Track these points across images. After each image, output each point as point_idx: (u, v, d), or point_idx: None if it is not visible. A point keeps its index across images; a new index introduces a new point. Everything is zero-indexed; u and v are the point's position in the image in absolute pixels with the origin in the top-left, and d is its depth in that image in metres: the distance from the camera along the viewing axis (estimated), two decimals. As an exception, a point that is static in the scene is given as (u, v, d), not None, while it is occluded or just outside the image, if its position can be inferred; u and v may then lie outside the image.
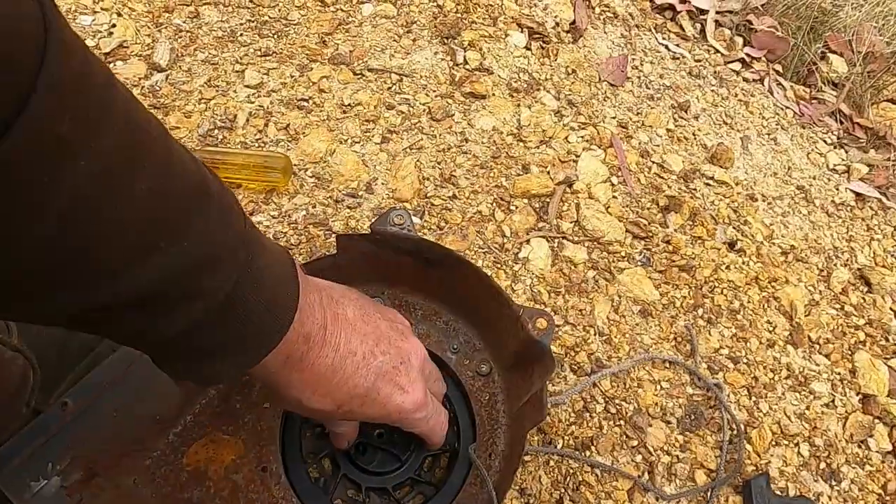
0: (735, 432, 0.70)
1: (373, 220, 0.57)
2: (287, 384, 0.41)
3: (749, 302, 0.79)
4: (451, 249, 0.60)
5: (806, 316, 0.80)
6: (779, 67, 1.11)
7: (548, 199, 0.82)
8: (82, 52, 0.27)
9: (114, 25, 0.85)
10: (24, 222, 0.25)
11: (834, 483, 0.70)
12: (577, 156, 0.86)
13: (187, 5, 0.89)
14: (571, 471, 0.65)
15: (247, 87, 0.83)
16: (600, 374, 0.70)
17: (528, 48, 0.96)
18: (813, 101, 1.10)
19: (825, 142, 1.03)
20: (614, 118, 0.92)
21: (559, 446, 0.66)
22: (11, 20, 0.23)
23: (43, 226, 0.26)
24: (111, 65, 0.82)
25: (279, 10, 0.91)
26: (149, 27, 0.86)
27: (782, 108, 1.05)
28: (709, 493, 0.66)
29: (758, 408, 0.72)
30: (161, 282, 0.30)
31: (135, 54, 0.83)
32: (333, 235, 0.74)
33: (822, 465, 0.70)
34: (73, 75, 0.26)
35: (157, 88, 0.81)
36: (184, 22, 0.87)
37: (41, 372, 0.55)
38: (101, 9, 0.86)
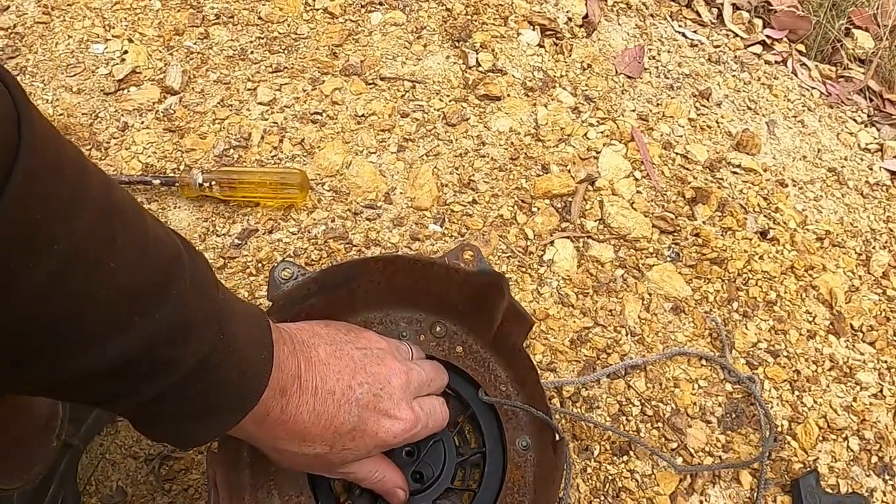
0: (770, 428, 0.67)
1: (267, 291, 0.57)
2: (274, 439, 0.41)
3: (786, 292, 0.77)
4: (346, 262, 0.59)
5: (847, 303, 0.77)
6: (802, 47, 1.08)
7: (570, 199, 0.80)
8: (55, 141, 0.29)
9: (125, 52, 0.85)
10: (4, 301, 0.27)
11: (888, 477, 0.67)
12: (598, 152, 0.84)
13: (197, 27, 0.89)
14: (610, 477, 0.64)
15: (260, 104, 0.83)
16: (610, 369, 0.68)
17: (541, 45, 0.94)
18: (840, 80, 1.06)
19: (855, 121, 1.00)
20: (634, 111, 0.90)
21: (595, 453, 0.64)
22: None
23: (18, 301, 0.27)
24: (125, 91, 0.82)
25: (288, 25, 0.90)
26: (160, 51, 0.86)
27: (808, 89, 1.01)
28: (754, 496, 0.63)
29: (802, 402, 0.70)
30: (133, 353, 0.31)
31: (148, 79, 0.84)
32: (354, 249, 0.74)
33: (874, 459, 0.67)
34: (47, 166, 0.27)
35: (172, 112, 0.81)
36: (194, 43, 0.87)
37: (70, 404, 0.55)
38: (113, 36, 0.87)
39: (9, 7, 0.88)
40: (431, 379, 0.52)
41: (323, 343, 0.45)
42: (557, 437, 0.56)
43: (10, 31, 0.86)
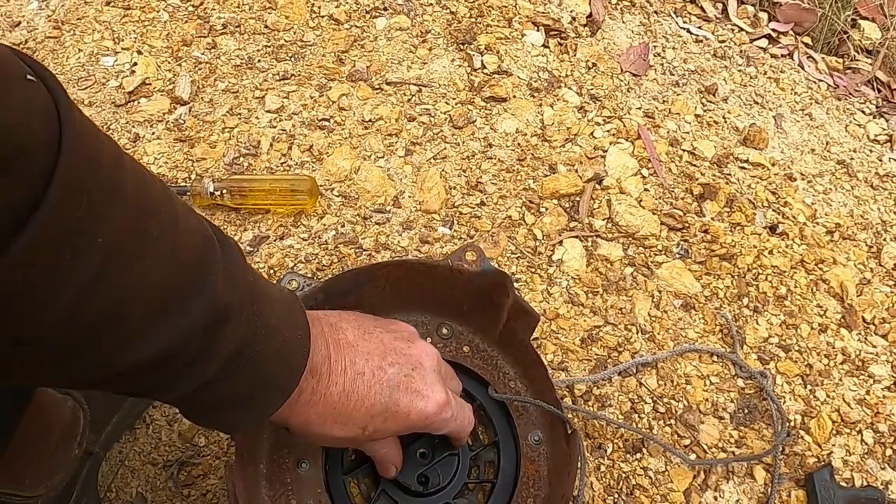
0: (783, 422, 0.67)
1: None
2: (306, 421, 0.41)
3: (796, 286, 0.77)
4: (351, 269, 0.59)
5: (858, 296, 0.77)
6: (808, 40, 1.08)
7: (578, 198, 0.80)
8: (93, 135, 0.29)
9: (135, 64, 0.86)
10: (45, 300, 0.27)
11: (902, 470, 0.67)
12: (605, 151, 0.85)
13: (204, 37, 0.90)
14: (624, 475, 0.64)
15: (268, 112, 0.84)
16: (621, 367, 0.69)
17: (545, 46, 0.94)
18: (847, 72, 1.06)
19: (863, 112, 0.99)
20: (640, 109, 0.90)
21: (608, 451, 0.65)
22: (25, 113, 0.25)
23: (63, 302, 0.27)
24: (136, 102, 0.84)
25: (294, 33, 0.91)
26: (169, 62, 0.87)
27: (815, 82, 1.01)
28: (769, 490, 0.64)
29: (814, 396, 0.70)
30: (175, 344, 0.32)
31: (157, 90, 0.85)
32: (365, 254, 0.74)
33: (889, 452, 0.67)
34: (87, 160, 0.27)
35: (182, 122, 0.82)
36: (202, 54, 0.88)
37: (90, 412, 0.56)
38: (122, 48, 0.88)
39: (20, 23, 0.90)
40: (451, 376, 0.53)
41: (351, 326, 0.45)
42: (570, 430, 0.56)
43: (21, 46, 0.88)
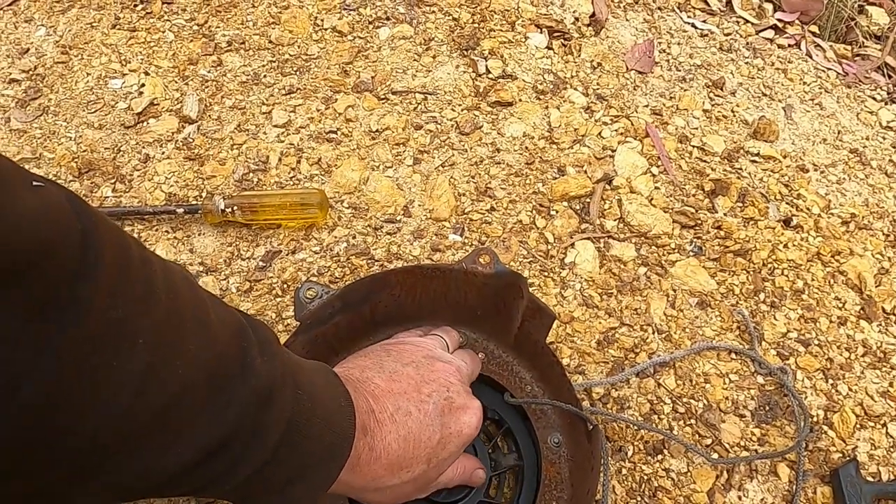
0: (805, 418, 0.66)
1: (294, 312, 0.58)
2: (373, 480, 0.41)
3: (813, 280, 0.76)
4: (366, 277, 0.59)
5: (877, 287, 0.76)
6: (814, 28, 1.06)
7: (588, 200, 0.80)
8: (118, 236, 0.29)
9: (143, 85, 0.87)
10: (100, 399, 0.27)
11: (930, 462, 0.65)
12: (613, 150, 0.84)
13: (210, 55, 0.90)
14: (646, 477, 0.63)
15: (275, 126, 0.84)
16: (638, 367, 0.68)
17: (549, 48, 0.94)
18: (856, 59, 1.04)
19: (875, 99, 0.98)
20: (647, 106, 0.90)
21: (629, 453, 0.64)
22: (42, 214, 0.25)
23: (117, 401, 0.27)
24: (145, 123, 0.84)
25: (298, 47, 0.92)
26: (176, 82, 0.88)
27: (824, 70, 1.00)
28: (794, 487, 0.63)
29: (836, 390, 0.69)
30: (226, 429, 0.32)
31: (166, 110, 0.85)
32: (377, 264, 0.74)
33: (915, 445, 0.66)
34: (116, 259, 0.28)
35: (191, 140, 0.83)
36: (208, 72, 0.89)
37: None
38: (129, 70, 0.89)
39: (28, 49, 0.91)
40: (473, 370, 0.54)
41: (375, 373, 0.45)
42: (590, 426, 0.56)
43: (31, 73, 0.89)
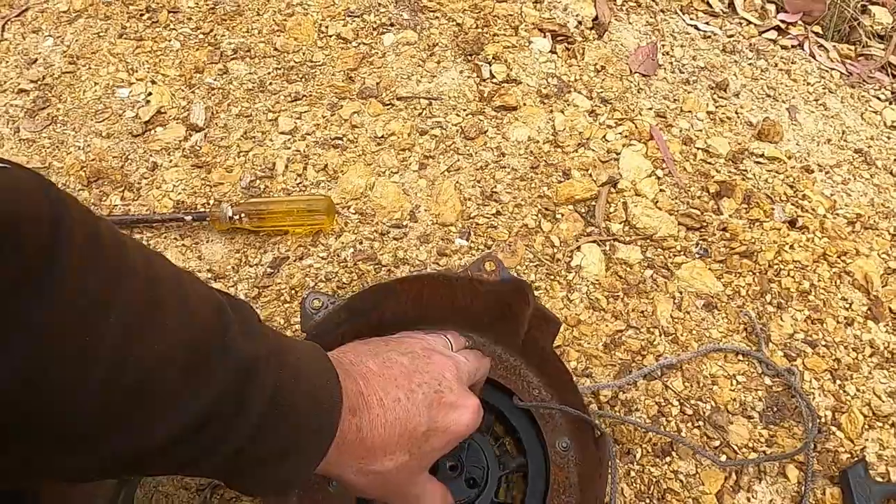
0: (813, 418, 0.67)
1: (300, 323, 0.58)
2: (358, 461, 0.41)
3: (819, 280, 0.76)
4: (372, 286, 0.59)
5: (883, 287, 0.76)
6: (818, 29, 1.07)
7: (593, 203, 0.80)
8: (89, 217, 0.30)
9: (150, 94, 0.88)
10: (76, 376, 0.27)
11: (939, 462, 0.66)
12: (618, 153, 0.84)
13: (216, 63, 0.91)
14: (654, 479, 0.64)
15: (282, 133, 0.85)
16: (645, 370, 0.68)
17: (553, 52, 0.94)
18: (860, 58, 1.05)
19: (879, 98, 0.98)
20: (651, 109, 0.90)
21: (637, 456, 0.64)
22: (17, 203, 0.26)
23: (93, 377, 0.28)
24: (152, 132, 0.85)
25: (303, 54, 0.92)
26: (183, 90, 0.89)
27: (827, 71, 1.00)
28: (803, 488, 0.63)
29: (844, 391, 0.69)
30: (208, 406, 0.32)
31: (173, 118, 0.86)
32: (384, 269, 0.75)
33: (923, 445, 0.66)
34: (88, 237, 0.28)
35: (198, 148, 0.83)
36: (215, 80, 0.89)
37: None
38: (136, 79, 0.89)
39: (37, 60, 0.92)
40: (477, 368, 0.53)
41: (369, 358, 0.45)
42: (598, 433, 0.56)
43: (39, 83, 0.90)
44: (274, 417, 0.35)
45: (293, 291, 0.73)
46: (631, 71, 0.94)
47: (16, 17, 0.97)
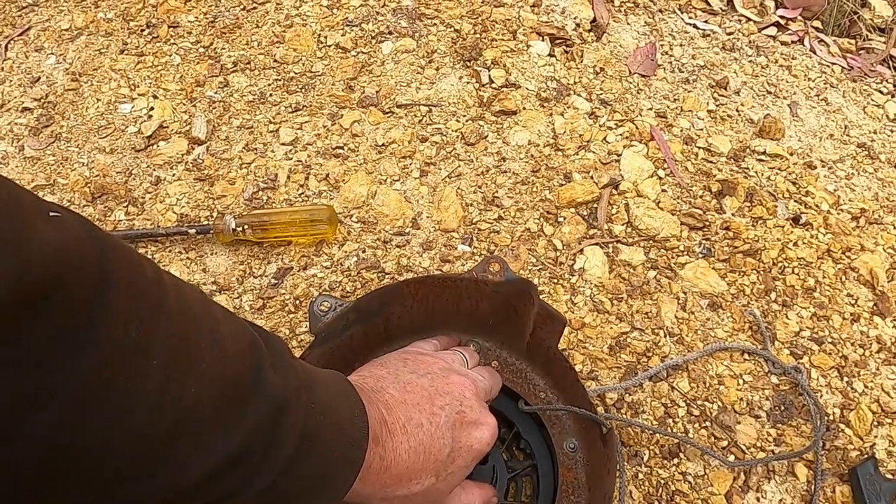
0: (821, 416, 0.66)
1: (308, 325, 0.58)
2: (383, 489, 0.42)
3: (824, 277, 0.75)
4: (379, 288, 0.60)
5: (889, 282, 0.76)
6: (817, 24, 1.06)
7: (595, 205, 0.80)
8: (134, 258, 0.30)
9: (152, 108, 0.89)
10: (118, 420, 0.28)
11: (949, 457, 0.65)
12: (619, 155, 0.84)
13: (216, 76, 0.92)
14: (663, 481, 0.63)
15: (283, 144, 0.85)
16: (651, 371, 0.68)
17: (551, 55, 0.94)
18: (861, 52, 1.04)
19: (881, 92, 0.98)
20: (651, 109, 0.90)
21: (645, 458, 0.64)
22: (59, 245, 0.26)
23: (134, 420, 0.28)
24: (155, 146, 0.86)
25: (303, 65, 0.93)
26: (184, 104, 0.89)
27: (828, 66, 1.00)
28: (812, 487, 0.63)
29: (852, 388, 0.69)
30: (242, 443, 0.33)
31: (175, 132, 0.87)
32: (387, 277, 0.75)
33: (934, 440, 0.66)
34: (134, 285, 0.29)
35: (200, 161, 0.84)
36: (215, 93, 0.90)
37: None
38: (138, 94, 0.90)
39: (39, 78, 0.93)
40: (492, 386, 0.54)
41: (390, 384, 0.46)
42: (605, 430, 0.56)
43: (42, 100, 0.90)
44: (305, 452, 0.36)
45: (297, 302, 0.74)
46: (630, 72, 0.94)
47: (18, 36, 0.98)
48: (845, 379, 0.69)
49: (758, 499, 0.63)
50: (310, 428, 0.36)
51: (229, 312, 0.36)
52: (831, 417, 0.67)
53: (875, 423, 0.66)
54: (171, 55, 0.94)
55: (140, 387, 0.28)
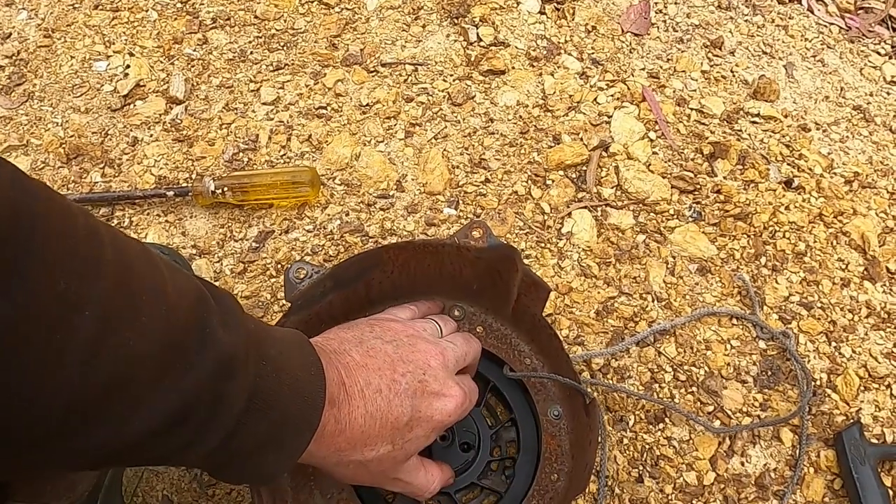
0: (808, 381, 0.66)
1: (284, 292, 0.57)
2: (337, 453, 0.41)
3: (815, 242, 0.74)
4: (358, 254, 0.58)
5: (881, 246, 0.75)
6: (816, -18, 1.03)
7: (584, 168, 0.79)
8: (63, 208, 0.29)
9: (128, 66, 0.86)
10: (46, 371, 0.27)
11: (935, 422, 0.65)
12: (609, 116, 0.82)
13: (195, 33, 0.89)
14: (647, 446, 0.63)
15: (264, 104, 0.82)
16: (638, 336, 0.67)
17: (542, 13, 0.92)
18: (859, 12, 1.01)
19: (878, 53, 0.95)
20: (643, 69, 0.87)
21: (630, 423, 0.64)
22: None
23: (65, 372, 0.27)
24: (131, 106, 0.83)
25: (285, 21, 0.90)
26: (161, 62, 0.86)
27: (826, 26, 0.97)
28: (797, 452, 0.62)
29: (840, 353, 0.68)
30: (186, 400, 0.32)
31: (152, 91, 0.84)
32: (371, 241, 0.73)
33: (920, 405, 0.66)
34: (56, 234, 0.27)
35: (179, 121, 0.81)
36: (194, 50, 0.87)
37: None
38: (114, 52, 0.87)
39: (11, 34, 0.90)
40: (465, 352, 0.52)
41: (353, 347, 0.45)
42: (588, 400, 0.56)
43: (14, 58, 0.87)
44: (254, 412, 0.35)
45: (279, 266, 0.72)
46: (623, 30, 0.91)
47: (-12, -10, 0.94)
48: (833, 344, 0.68)
49: (742, 463, 0.62)
50: (261, 386, 0.35)
51: (177, 268, 0.35)
52: (818, 382, 0.66)
53: (862, 389, 0.66)
54: (147, 10, 0.91)
55: (70, 339, 0.27)
